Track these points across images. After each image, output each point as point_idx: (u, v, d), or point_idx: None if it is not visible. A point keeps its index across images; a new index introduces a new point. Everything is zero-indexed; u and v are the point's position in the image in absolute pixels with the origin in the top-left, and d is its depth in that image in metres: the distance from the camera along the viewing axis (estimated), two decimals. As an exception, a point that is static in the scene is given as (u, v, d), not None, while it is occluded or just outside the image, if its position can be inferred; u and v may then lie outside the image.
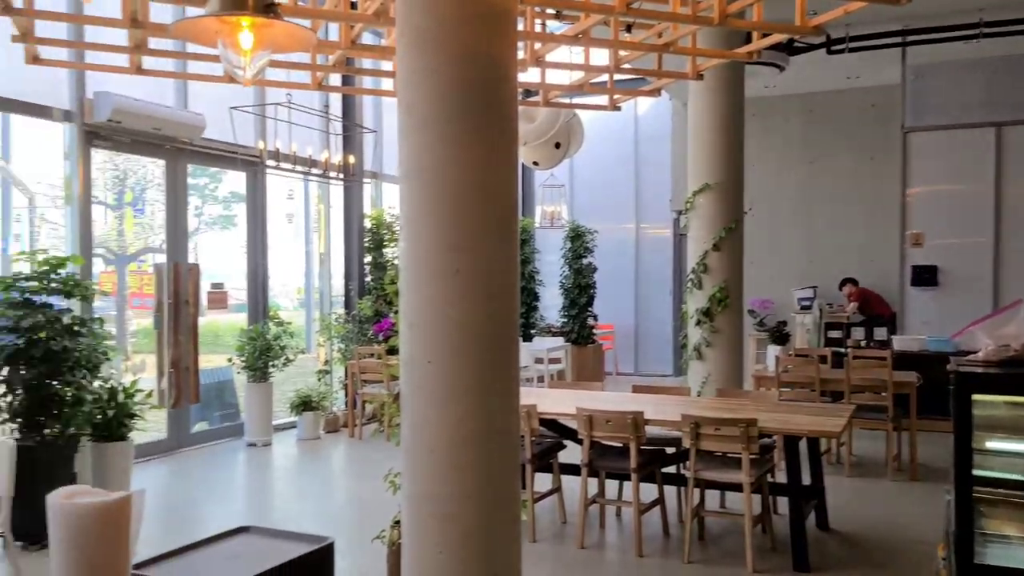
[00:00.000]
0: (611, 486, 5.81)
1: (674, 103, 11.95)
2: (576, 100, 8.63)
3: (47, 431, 5.32)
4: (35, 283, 5.47)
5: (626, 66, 5.55)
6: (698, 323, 7.42)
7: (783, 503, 5.55)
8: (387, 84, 8.16)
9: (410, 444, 3.35)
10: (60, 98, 6.90)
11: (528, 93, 9.08)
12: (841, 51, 8.78)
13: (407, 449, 3.37)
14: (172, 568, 1.80)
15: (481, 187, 3.28)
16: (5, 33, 4.73)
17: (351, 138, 9.58)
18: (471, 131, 3.25)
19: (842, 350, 8.17)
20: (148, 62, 5.30)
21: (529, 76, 6.14)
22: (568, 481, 5.76)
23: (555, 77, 6.23)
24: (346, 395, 9.15)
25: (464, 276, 3.24)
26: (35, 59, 5.05)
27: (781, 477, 5.25)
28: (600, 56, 5.76)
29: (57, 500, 1.69)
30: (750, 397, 6.04)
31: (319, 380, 9.16)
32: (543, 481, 5.68)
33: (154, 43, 5.02)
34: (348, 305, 9.77)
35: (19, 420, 5.29)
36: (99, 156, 11.89)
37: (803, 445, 5.18)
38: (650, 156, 13.42)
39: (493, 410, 3.32)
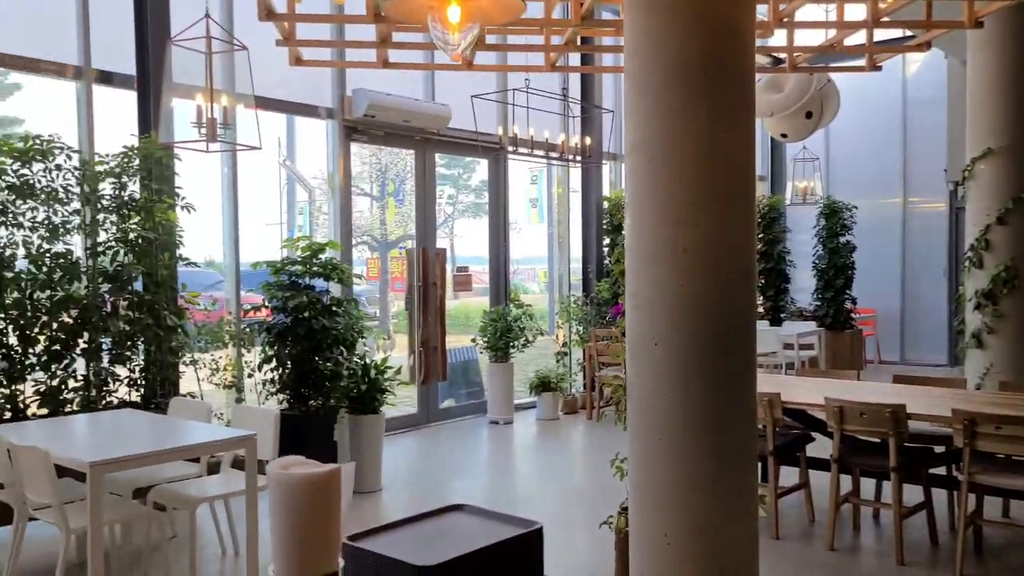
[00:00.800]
0: (867, 485, 5.28)
1: (949, 61, 10.60)
2: (830, 63, 7.91)
3: (311, 403, 5.83)
4: (300, 267, 6.00)
5: (887, 19, 4.94)
6: (978, 307, 6.53)
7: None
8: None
9: (636, 429, 3.22)
10: (324, 97, 7.50)
11: (775, 60, 8.48)
12: None
13: (634, 434, 3.24)
14: (381, 541, 1.79)
15: (711, 159, 3.05)
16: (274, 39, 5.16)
17: (589, 119, 9.54)
18: (702, 100, 3.03)
19: None
20: (395, 55, 5.57)
21: (775, 40, 5.70)
22: (817, 477, 5.31)
23: (804, 38, 5.73)
24: (584, 377, 9.18)
25: (692, 254, 3.03)
26: (298, 60, 5.49)
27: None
28: (856, 10, 5.19)
29: (275, 469, 1.74)
30: (1043, 393, 5.19)
31: (558, 362, 9.27)
32: (788, 475, 5.28)
33: (403, 37, 5.28)
34: (586, 288, 9.78)
35: (287, 392, 5.85)
36: (362, 151, 12.85)
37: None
38: (921, 121, 12.06)
39: (725, 396, 3.08)
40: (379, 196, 17.48)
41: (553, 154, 7.81)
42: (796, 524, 5.17)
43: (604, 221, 9.89)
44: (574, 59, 8.70)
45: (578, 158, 8.16)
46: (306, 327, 5.74)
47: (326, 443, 5.70)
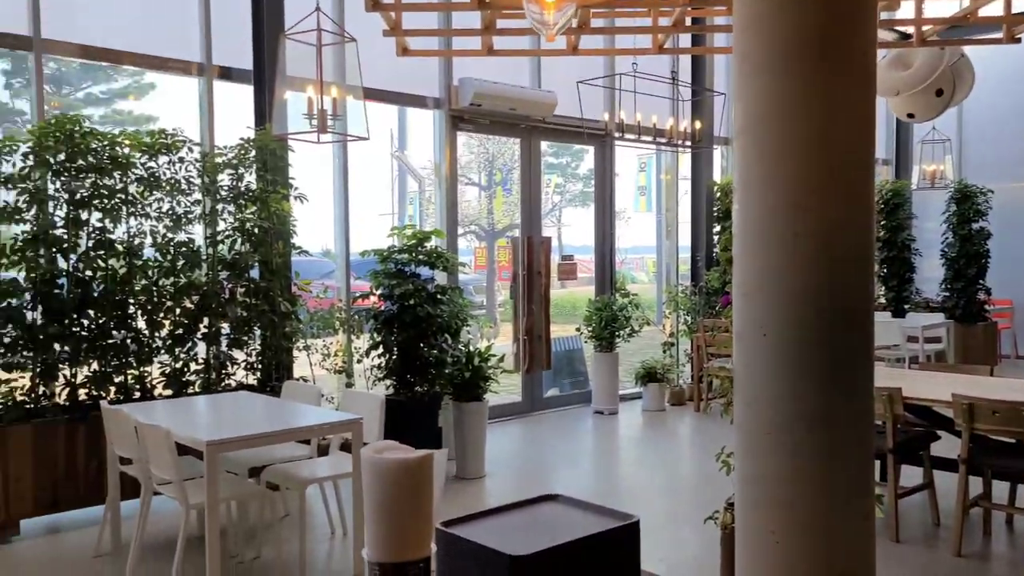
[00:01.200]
0: (999, 488, 4.92)
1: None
2: (963, 36, 7.38)
3: (416, 389, 5.92)
4: (406, 255, 6.09)
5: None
6: None
7: None
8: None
9: (743, 422, 3.09)
10: (431, 87, 7.58)
11: (902, 35, 7.99)
12: None
13: (740, 427, 3.11)
14: (473, 529, 1.77)
15: (825, 141, 2.87)
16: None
17: (700, 103, 9.27)
18: (817, 78, 2.85)
19: None
20: (500, 43, 5.55)
21: (901, 12, 5.36)
22: (943, 478, 4.98)
23: (934, 9, 5.36)
24: (692, 368, 8.97)
25: (804, 239, 2.87)
26: (404, 51, 5.55)
27: None
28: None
29: (368, 453, 1.74)
30: None
31: (664, 352, 9.08)
32: (911, 475, 4.98)
33: (508, 24, 5.25)
34: (695, 277, 9.54)
35: (393, 377, 5.96)
36: (470, 140, 12.92)
37: None
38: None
39: (838, 390, 2.91)
40: (487, 186, 17.65)
41: (661, 140, 7.63)
42: (918, 527, 4.88)
43: (715, 208, 9.61)
44: (684, 40, 8.46)
45: (687, 143, 7.94)
46: (412, 314, 5.82)
47: (430, 429, 5.78)
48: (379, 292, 6.07)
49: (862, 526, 3.03)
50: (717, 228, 9.59)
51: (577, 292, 14.00)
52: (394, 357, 5.96)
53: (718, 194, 9.59)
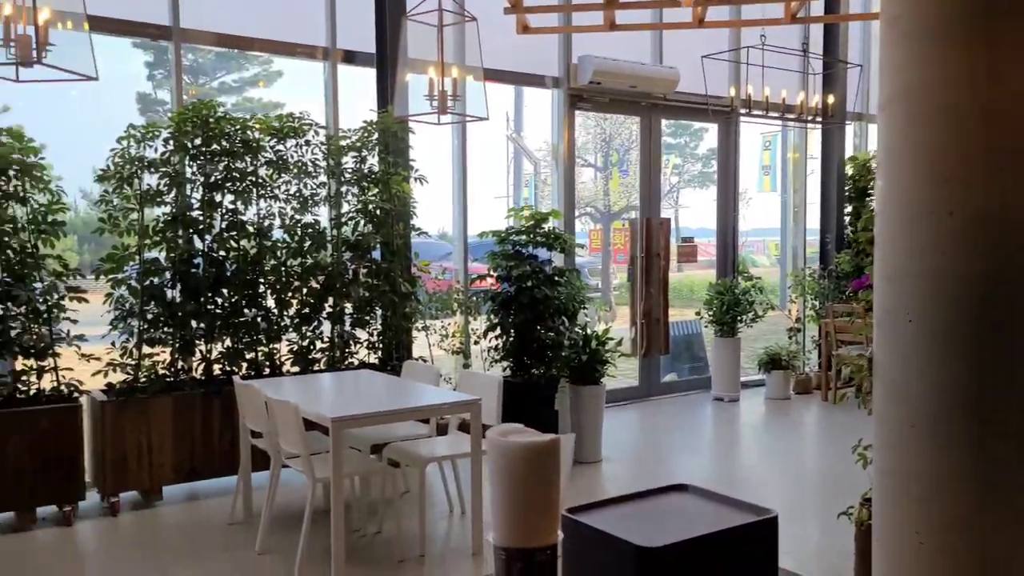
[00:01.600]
0: None
1: None
2: None
3: (532, 371, 5.90)
4: (523, 236, 6.06)
5: None
6: None
7: None
8: (877, 5, 7.26)
9: (884, 414, 2.88)
10: (550, 66, 7.50)
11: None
12: None
13: (880, 419, 2.90)
14: (602, 516, 1.71)
15: (990, 109, 2.61)
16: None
17: (832, 76, 8.79)
18: (981, 38, 2.60)
19: None
20: (622, 17, 5.41)
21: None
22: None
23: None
24: (819, 355, 8.58)
25: (960, 218, 2.63)
26: (525, 28, 5.48)
27: None
28: None
29: (493, 436, 1.70)
30: None
31: (790, 338, 8.72)
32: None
33: None
34: (824, 259, 9.09)
35: (510, 359, 5.96)
36: (586, 121, 12.80)
37: None
38: None
39: (993, 382, 2.67)
40: (603, 167, 17.45)
41: (790, 115, 7.28)
42: (1077, 533, 4.47)
43: (846, 188, 9.12)
44: (815, 8, 8.03)
45: (818, 119, 7.54)
46: (529, 296, 5.80)
47: (547, 411, 5.75)
48: (496, 274, 6.07)
49: (1016, 529, 2.79)
50: (849, 208, 9.10)
51: (693, 275, 13.66)
52: (511, 339, 5.96)
53: (850, 172, 9.09)
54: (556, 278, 5.97)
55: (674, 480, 2.18)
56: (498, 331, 6.01)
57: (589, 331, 6.13)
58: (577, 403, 5.96)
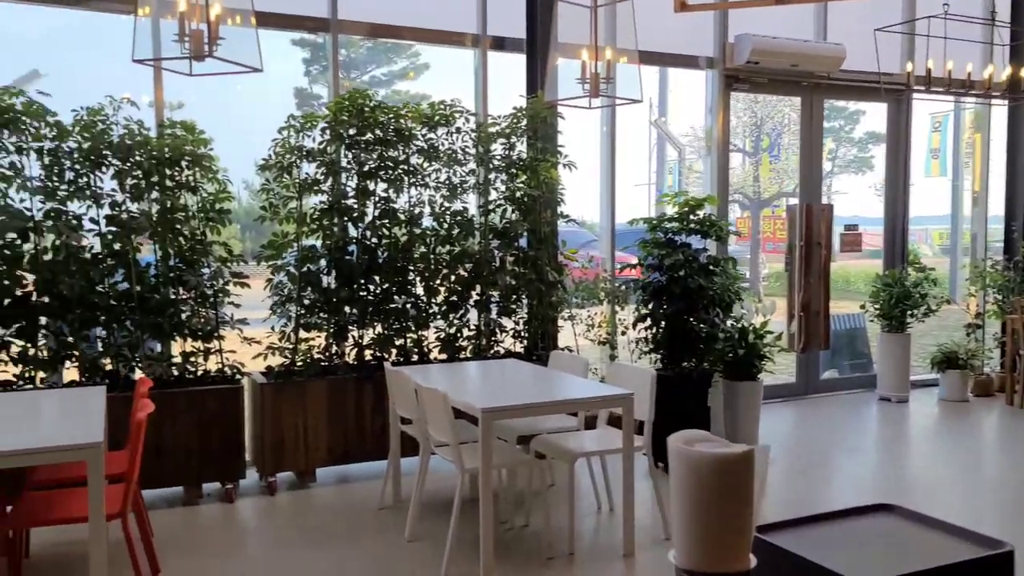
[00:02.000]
0: None
1: None
2: None
3: (684, 364, 5.65)
4: (676, 224, 5.80)
5: None
6: None
7: None
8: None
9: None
10: (705, 46, 7.16)
11: None
12: None
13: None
14: (800, 539, 1.51)
15: None
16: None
17: (1021, 47, 7.95)
18: None
19: None
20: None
21: None
22: None
23: None
24: (1002, 355, 7.81)
25: None
26: (683, 6, 5.21)
27: None
28: None
29: (677, 444, 1.53)
30: None
31: (968, 335, 7.99)
32: None
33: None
34: (1009, 250, 8.26)
35: (660, 351, 5.73)
36: (735, 105, 12.25)
37: None
38: None
39: None
40: (752, 152, 16.69)
41: (973, 92, 6.61)
42: None
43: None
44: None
45: (1006, 95, 6.82)
46: (682, 286, 5.55)
47: (700, 407, 5.50)
48: (647, 262, 5.85)
49: None
50: (1038, 194, 8.23)
51: (850, 265, 12.82)
52: (661, 330, 5.73)
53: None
54: (711, 268, 5.68)
55: (851, 490, 1.94)
56: (648, 322, 5.79)
57: (745, 323, 5.80)
58: (732, 399, 5.66)
